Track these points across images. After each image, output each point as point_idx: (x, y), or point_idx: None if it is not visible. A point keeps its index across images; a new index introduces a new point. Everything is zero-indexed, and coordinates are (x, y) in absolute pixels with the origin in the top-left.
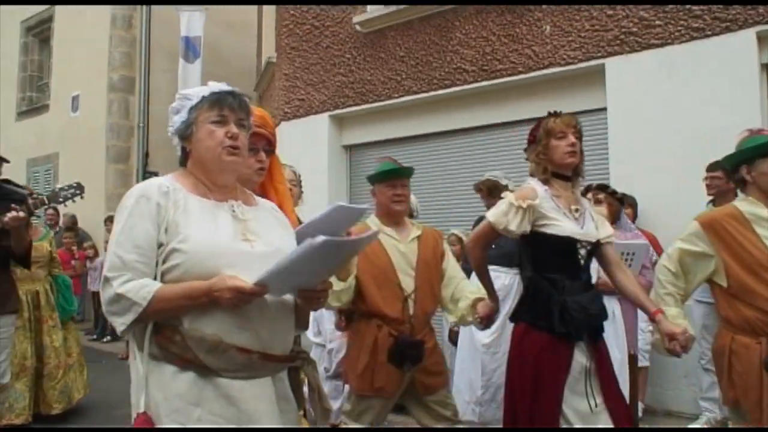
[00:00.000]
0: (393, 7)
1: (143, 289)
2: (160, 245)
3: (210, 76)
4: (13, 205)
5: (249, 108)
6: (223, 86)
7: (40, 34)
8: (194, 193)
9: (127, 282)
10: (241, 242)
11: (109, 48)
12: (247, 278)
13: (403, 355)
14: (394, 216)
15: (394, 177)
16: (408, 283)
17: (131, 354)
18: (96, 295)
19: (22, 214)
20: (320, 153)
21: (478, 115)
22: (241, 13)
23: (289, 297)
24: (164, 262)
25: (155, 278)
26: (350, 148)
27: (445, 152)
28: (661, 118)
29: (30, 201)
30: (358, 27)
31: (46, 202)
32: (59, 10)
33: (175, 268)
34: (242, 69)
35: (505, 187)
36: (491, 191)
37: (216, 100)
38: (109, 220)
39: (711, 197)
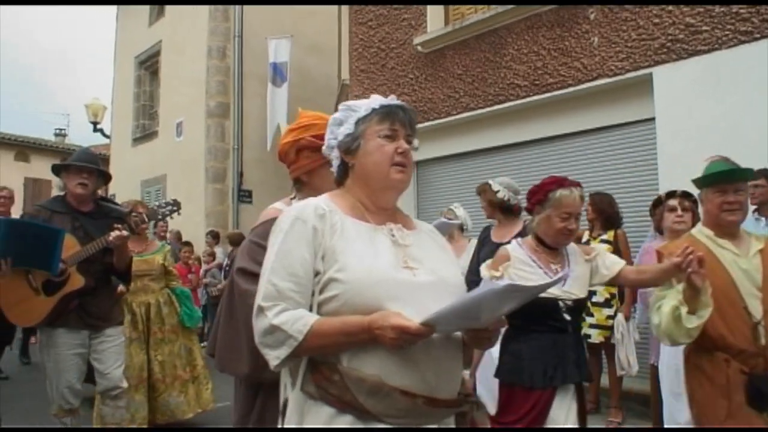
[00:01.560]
0: (450, 27)
1: (299, 321)
2: (316, 273)
3: (296, 98)
4: (116, 225)
5: (415, 125)
6: (392, 100)
7: (150, 67)
8: (351, 216)
9: (282, 312)
10: (403, 270)
11: (207, 77)
12: (411, 312)
13: (763, 396)
14: (727, 227)
15: (724, 181)
16: (755, 306)
17: (281, 386)
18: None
19: (125, 233)
20: None
21: (531, 129)
22: (324, 37)
23: (456, 333)
24: (321, 292)
25: (311, 309)
26: (416, 164)
27: (500, 166)
28: (709, 126)
29: (132, 219)
30: (419, 48)
31: (146, 219)
32: (165, 44)
33: (333, 300)
34: (326, 90)
35: (493, 192)
36: (479, 193)
37: (387, 114)
38: (209, 235)
39: (755, 206)
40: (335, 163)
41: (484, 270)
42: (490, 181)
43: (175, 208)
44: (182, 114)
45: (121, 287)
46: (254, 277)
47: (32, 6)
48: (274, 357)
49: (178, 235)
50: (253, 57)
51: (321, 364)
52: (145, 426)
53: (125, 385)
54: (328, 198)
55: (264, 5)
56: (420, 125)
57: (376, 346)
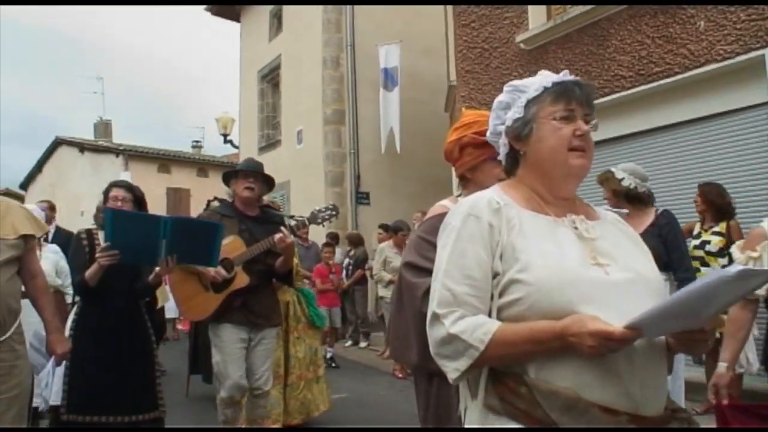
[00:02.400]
0: (552, 22)
1: (479, 329)
2: (495, 275)
3: (408, 100)
4: (282, 228)
5: (593, 102)
6: (566, 75)
7: (271, 80)
8: (527, 209)
9: (460, 320)
10: (593, 268)
11: (322, 87)
12: (608, 315)
13: None
14: None
15: None
16: None
17: (462, 401)
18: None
19: (290, 238)
20: None
21: (638, 121)
22: (433, 39)
23: (659, 338)
24: (501, 295)
25: (489, 314)
26: None
27: (608, 159)
28: None
29: (293, 223)
30: (522, 45)
31: (307, 223)
32: (284, 58)
33: (516, 304)
34: (437, 91)
35: (617, 181)
36: (602, 183)
37: (561, 92)
38: (328, 237)
39: None
40: (503, 151)
41: (736, 251)
42: (613, 169)
43: (333, 212)
44: (302, 122)
45: None
46: (421, 271)
47: (167, 30)
48: (452, 369)
49: (332, 235)
50: (365, 64)
51: (505, 375)
52: (279, 423)
53: (268, 387)
54: (500, 190)
55: (372, 4)
56: None
57: (569, 355)
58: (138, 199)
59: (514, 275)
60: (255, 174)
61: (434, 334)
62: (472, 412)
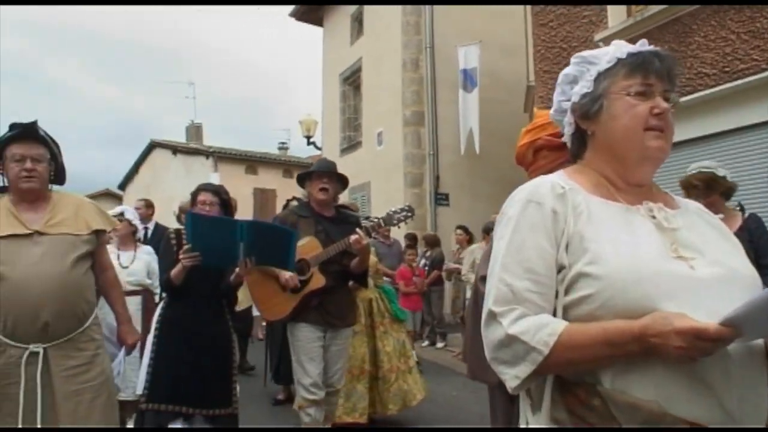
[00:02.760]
0: (632, 20)
1: (543, 330)
2: (560, 268)
3: (489, 100)
4: (357, 230)
5: (675, 76)
6: (644, 45)
7: (353, 83)
8: (596, 195)
9: (520, 319)
10: (675, 261)
11: (402, 88)
12: (695, 315)
13: None
14: None
15: None
16: None
17: (522, 415)
18: None
19: (366, 240)
20: None
21: (723, 120)
22: (513, 38)
23: (757, 341)
24: (568, 292)
25: (554, 314)
26: None
27: (691, 160)
28: None
29: (368, 224)
30: (601, 44)
31: (383, 224)
32: (365, 61)
33: (585, 301)
34: (517, 91)
35: (723, 179)
36: (709, 185)
37: (638, 64)
38: (407, 238)
39: None
40: (568, 131)
41: None
42: (709, 167)
43: (409, 213)
44: (382, 124)
45: None
46: None
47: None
48: (512, 376)
49: (412, 235)
50: (444, 65)
51: (574, 385)
52: (365, 416)
53: (340, 386)
54: (565, 174)
55: (452, 4)
56: None
57: (651, 361)
58: (224, 202)
59: (582, 268)
60: (329, 175)
61: (490, 335)
62: (534, 426)
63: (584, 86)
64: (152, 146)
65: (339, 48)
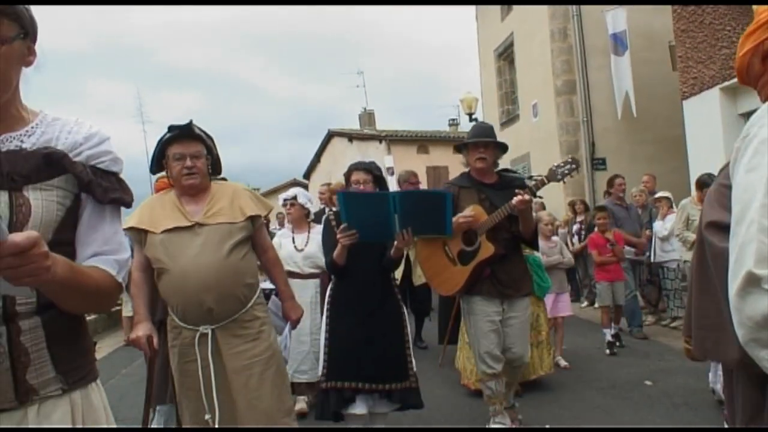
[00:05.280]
0: None
1: None
2: None
3: (643, 61)
4: (517, 190)
5: None
6: None
7: (507, 57)
8: None
9: None
10: None
11: (552, 59)
12: None
13: None
14: None
15: None
16: None
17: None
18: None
19: (527, 197)
20: (714, 125)
21: None
22: None
23: None
24: None
25: None
26: (748, 116)
27: None
28: None
29: (531, 183)
30: None
31: (546, 182)
32: (516, 35)
33: None
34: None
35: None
36: None
37: None
38: (569, 205)
39: None
40: None
41: None
42: None
43: (573, 166)
44: (536, 96)
45: None
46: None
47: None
48: None
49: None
50: (593, 32)
51: None
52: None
53: (526, 360)
54: None
55: None
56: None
57: None
58: (377, 178)
59: None
60: (484, 143)
61: (751, 307)
62: None
63: None
64: (330, 135)
65: (491, 25)
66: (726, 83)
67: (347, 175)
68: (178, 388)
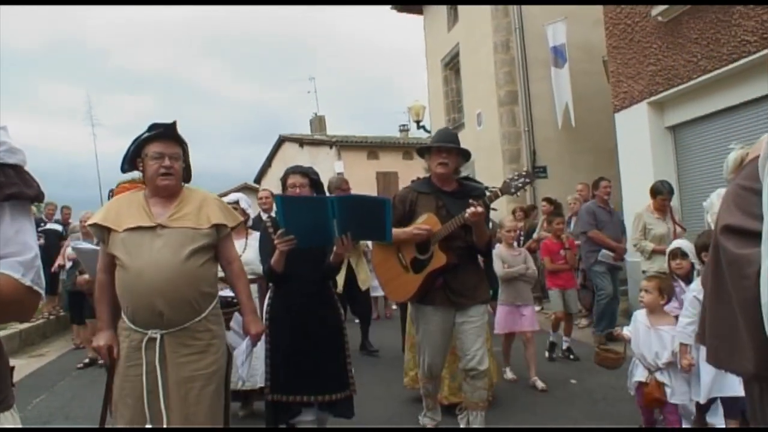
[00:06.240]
0: None
1: None
2: None
3: (582, 72)
4: (471, 201)
5: None
6: None
7: (453, 67)
8: None
9: None
10: None
11: (495, 71)
12: None
13: None
14: None
15: None
16: None
17: None
18: None
19: (480, 209)
20: (642, 137)
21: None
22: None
23: None
24: None
25: None
26: (672, 130)
27: (747, 123)
28: None
29: (487, 194)
30: (659, 18)
31: (500, 194)
32: (462, 46)
33: None
34: None
35: None
36: None
37: None
38: (547, 202)
39: None
40: None
41: None
42: None
43: (527, 180)
44: (480, 105)
45: None
46: (751, 237)
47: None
48: None
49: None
50: (534, 44)
51: None
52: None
53: (483, 368)
54: None
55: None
56: (666, 92)
57: None
58: (314, 182)
59: None
60: (447, 149)
61: None
62: None
63: None
64: (282, 140)
65: (438, 35)
66: (653, 98)
67: (284, 179)
68: (117, 393)
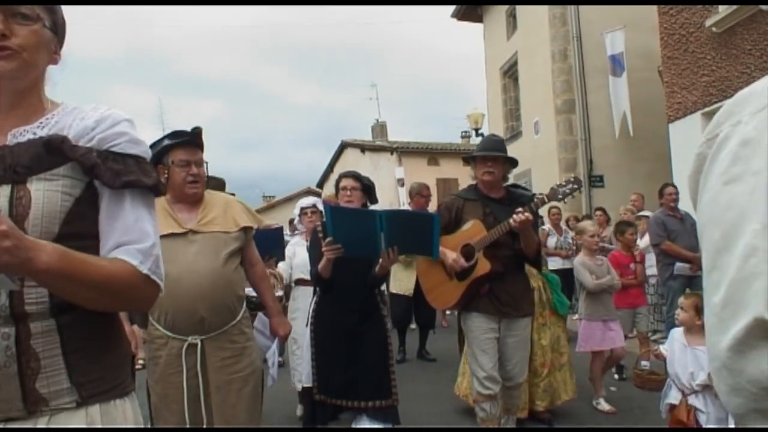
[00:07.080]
0: (737, 6)
1: None
2: None
3: (640, 81)
4: (518, 208)
5: None
6: None
7: (511, 75)
8: None
9: None
10: None
11: (552, 79)
12: None
13: None
14: None
15: None
16: None
17: None
18: None
19: (525, 216)
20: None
21: None
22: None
23: None
24: None
25: None
26: None
27: None
28: None
29: (534, 202)
30: (713, 29)
31: (546, 200)
32: (520, 54)
33: None
34: None
35: None
36: None
37: None
38: (601, 212)
39: None
40: None
41: None
42: None
43: (575, 186)
44: (537, 114)
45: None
46: None
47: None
48: None
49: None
50: (592, 53)
51: None
52: (526, 410)
53: (521, 380)
54: None
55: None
56: (720, 103)
57: None
58: (366, 187)
59: None
60: (493, 157)
61: (756, 366)
62: None
63: None
64: (344, 146)
65: (497, 44)
66: (707, 108)
67: (337, 182)
68: (160, 402)
